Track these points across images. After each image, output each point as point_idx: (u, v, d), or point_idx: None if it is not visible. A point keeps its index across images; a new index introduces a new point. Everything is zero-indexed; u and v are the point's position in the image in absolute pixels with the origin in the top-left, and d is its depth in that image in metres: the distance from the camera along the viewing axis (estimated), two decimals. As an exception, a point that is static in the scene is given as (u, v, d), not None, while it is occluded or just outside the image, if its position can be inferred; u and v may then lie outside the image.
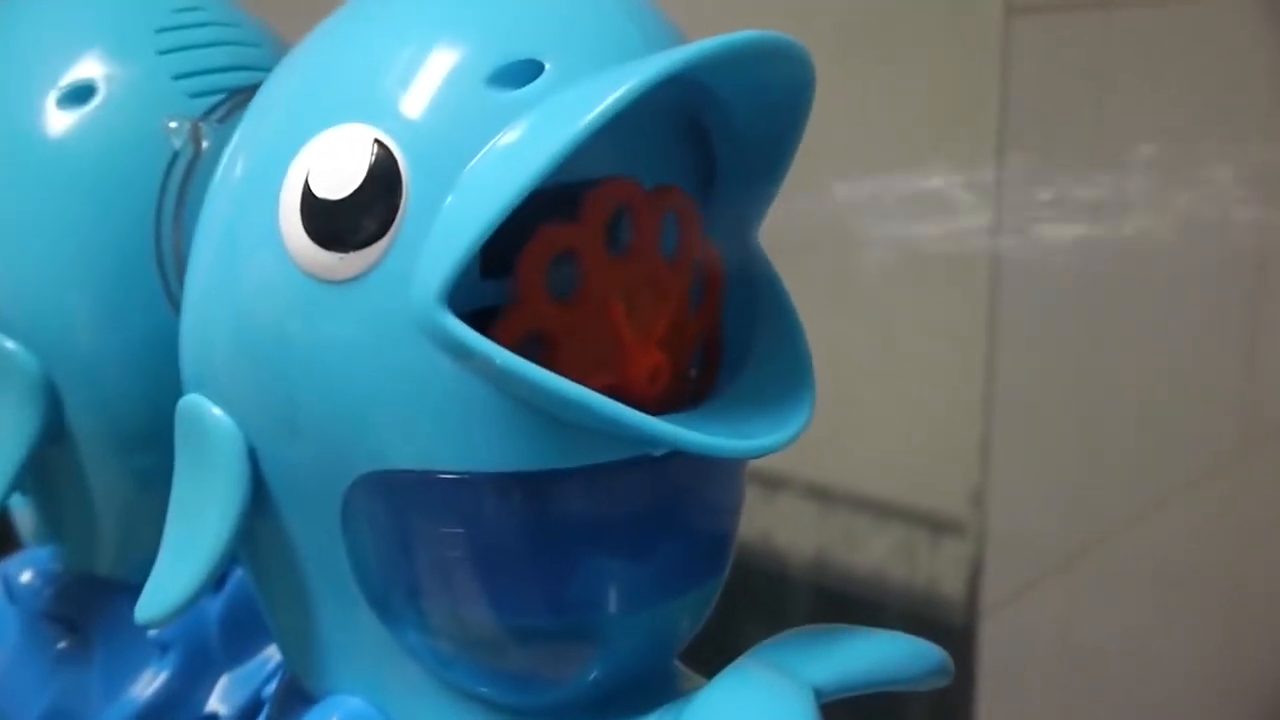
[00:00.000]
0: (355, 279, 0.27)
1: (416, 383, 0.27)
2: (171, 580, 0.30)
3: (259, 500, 0.30)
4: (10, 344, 0.36)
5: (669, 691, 0.31)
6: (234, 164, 0.30)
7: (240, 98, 0.34)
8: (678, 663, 0.32)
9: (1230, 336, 0.81)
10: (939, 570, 0.64)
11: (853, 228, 0.64)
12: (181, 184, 0.34)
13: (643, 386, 0.28)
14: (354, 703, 0.32)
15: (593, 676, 0.30)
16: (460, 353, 0.26)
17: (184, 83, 0.36)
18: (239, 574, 0.39)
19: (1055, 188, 0.63)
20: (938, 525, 0.64)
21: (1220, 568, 0.86)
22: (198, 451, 0.30)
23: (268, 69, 0.35)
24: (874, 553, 0.66)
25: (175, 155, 0.34)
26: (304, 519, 0.30)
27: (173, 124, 0.34)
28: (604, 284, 0.28)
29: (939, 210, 0.64)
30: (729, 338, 0.31)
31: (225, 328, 0.29)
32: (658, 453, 0.28)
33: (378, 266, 0.27)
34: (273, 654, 0.39)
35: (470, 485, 0.28)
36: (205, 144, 0.33)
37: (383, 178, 0.26)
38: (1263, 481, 0.85)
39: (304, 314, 0.28)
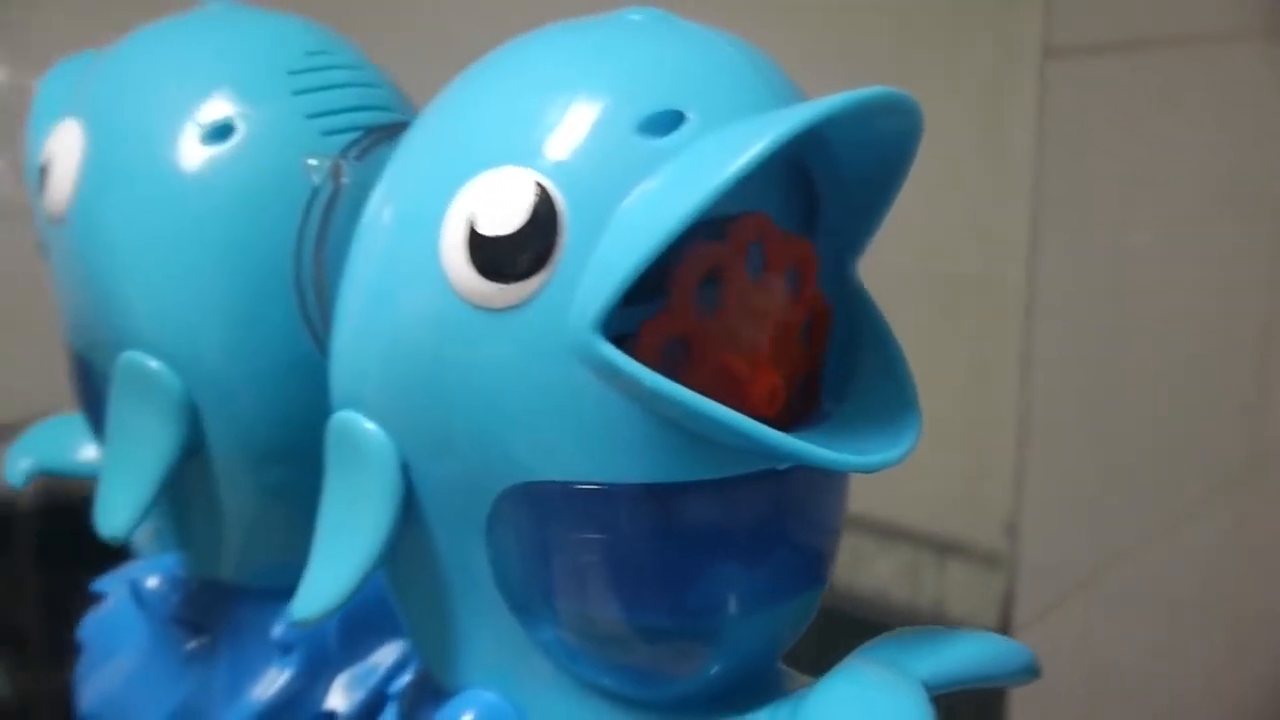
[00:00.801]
0: (513, 307, 0.30)
1: (565, 401, 0.30)
2: (325, 583, 0.33)
3: (408, 509, 0.33)
4: (155, 364, 0.38)
5: (776, 689, 0.34)
6: (389, 200, 0.33)
7: (375, 136, 0.37)
8: (781, 663, 0.35)
9: (1242, 362, 0.84)
10: (970, 597, 0.66)
11: (888, 258, 0.67)
12: (322, 218, 0.36)
13: (762, 406, 0.31)
14: (487, 696, 0.34)
15: (708, 673, 0.33)
16: (612, 375, 0.29)
17: (317, 121, 0.39)
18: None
19: (1087, 223, 0.66)
20: (970, 554, 0.67)
21: (1229, 584, 0.88)
22: (351, 464, 0.33)
23: (389, 108, 0.39)
24: (900, 578, 0.68)
25: (315, 191, 0.36)
26: (450, 527, 0.33)
27: (312, 161, 0.37)
28: (739, 307, 0.31)
29: (974, 243, 0.66)
30: (829, 365, 0.34)
31: (382, 350, 0.32)
32: (781, 467, 0.31)
33: (536, 297, 0.30)
34: (387, 654, 0.41)
35: (609, 495, 0.31)
36: (345, 180, 0.36)
37: (544, 217, 0.29)
38: (1271, 501, 0.88)
39: (463, 339, 0.30)
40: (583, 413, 0.30)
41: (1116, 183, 0.68)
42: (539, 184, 0.29)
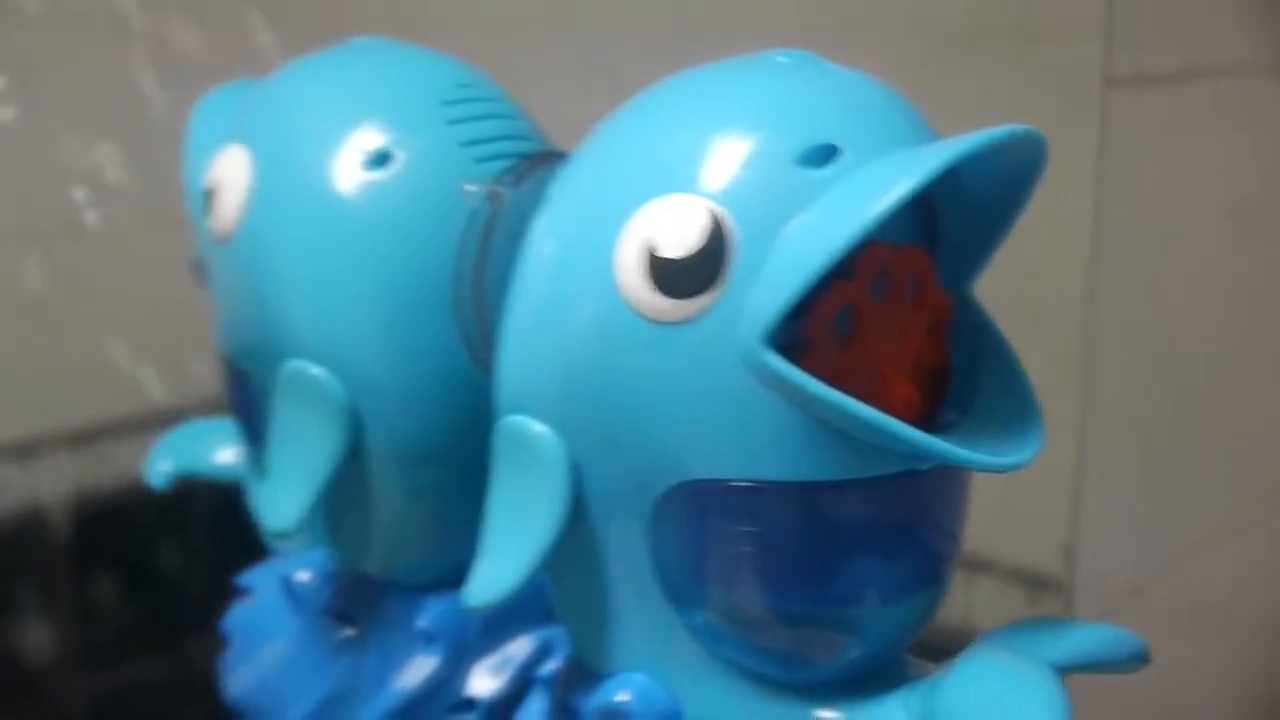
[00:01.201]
0: (685, 321, 0.33)
1: (728, 406, 0.33)
2: (498, 573, 0.36)
3: (574, 505, 0.36)
4: (318, 372, 0.41)
5: (904, 675, 0.37)
6: (561, 223, 0.36)
7: (529, 163, 0.40)
8: (906, 653, 0.38)
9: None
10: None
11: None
12: (481, 241, 0.39)
13: (899, 412, 0.34)
14: (640, 679, 0.37)
15: (845, 659, 0.36)
16: (778, 382, 0.32)
17: (469, 149, 0.42)
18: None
19: (1145, 248, 0.69)
20: (1028, 579, 0.69)
21: (1262, 598, 0.91)
22: (521, 464, 0.36)
23: (530, 138, 0.42)
24: (959, 607, 0.71)
25: (473, 215, 0.40)
26: (614, 522, 0.36)
27: (470, 187, 0.40)
28: (871, 330, 0.34)
29: (1034, 268, 0.69)
30: (951, 379, 0.38)
31: (553, 360, 0.35)
32: (924, 467, 0.34)
33: (707, 312, 0.33)
34: (524, 643, 0.45)
35: (765, 493, 0.34)
36: (503, 205, 0.39)
37: (717, 241, 0.33)
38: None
39: (635, 349, 0.34)
40: (744, 417, 0.33)
41: (1174, 207, 0.71)
42: (711, 211, 0.33)
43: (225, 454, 0.52)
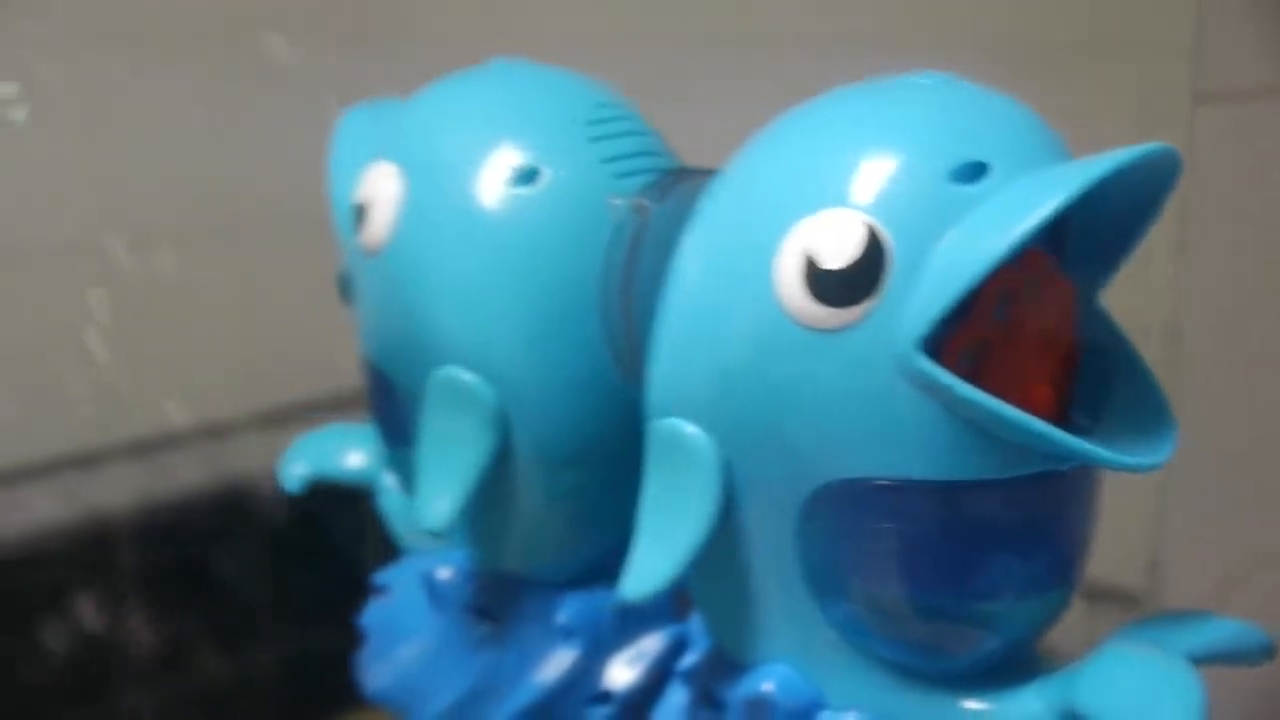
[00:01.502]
0: (841, 329, 0.35)
1: (881, 410, 0.35)
2: (652, 568, 0.38)
3: (726, 503, 0.38)
4: (470, 378, 0.44)
5: (1037, 668, 0.39)
6: (716, 235, 0.38)
7: (672, 178, 0.42)
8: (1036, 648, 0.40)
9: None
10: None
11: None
12: (628, 253, 0.42)
13: (1038, 415, 0.36)
14: (783, 669, 0.39)
15: (981, 651, 0.38)
16: (932, 386, 0.34)
17: (610, 165, 0.44)
18: (630, 573, 0.47)
19: (1233, 265, 0.70)
20: (1110, 594, 0.71)
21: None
22: (675, 463, 0.38)
23: (664, 154, 0.44)
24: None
25: (619, 228, 0.42)
26: (763, 519, 0.38)
27: (617, 201, 0.42)
28: (1015, 336, 0.36)
29: (1121, 281, 0.71)
30: (1080, 384, 0.39)
31: (708, 365, 0.37)
32: (1064, 468, 0.36)
33: (863, 321, 0.35)
34: (659, 637, 0.47)
35: (913, 491, 0.36)
36: (649, 218, 0.41)
37: (874, 254, 0.35)
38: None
39: (791, 355, 0.36)
40: (895, 420, 0.35)
41: (1262, 224, 0.73)
42: (868, 224, 0.35)
43: (355, 458, 0.54)
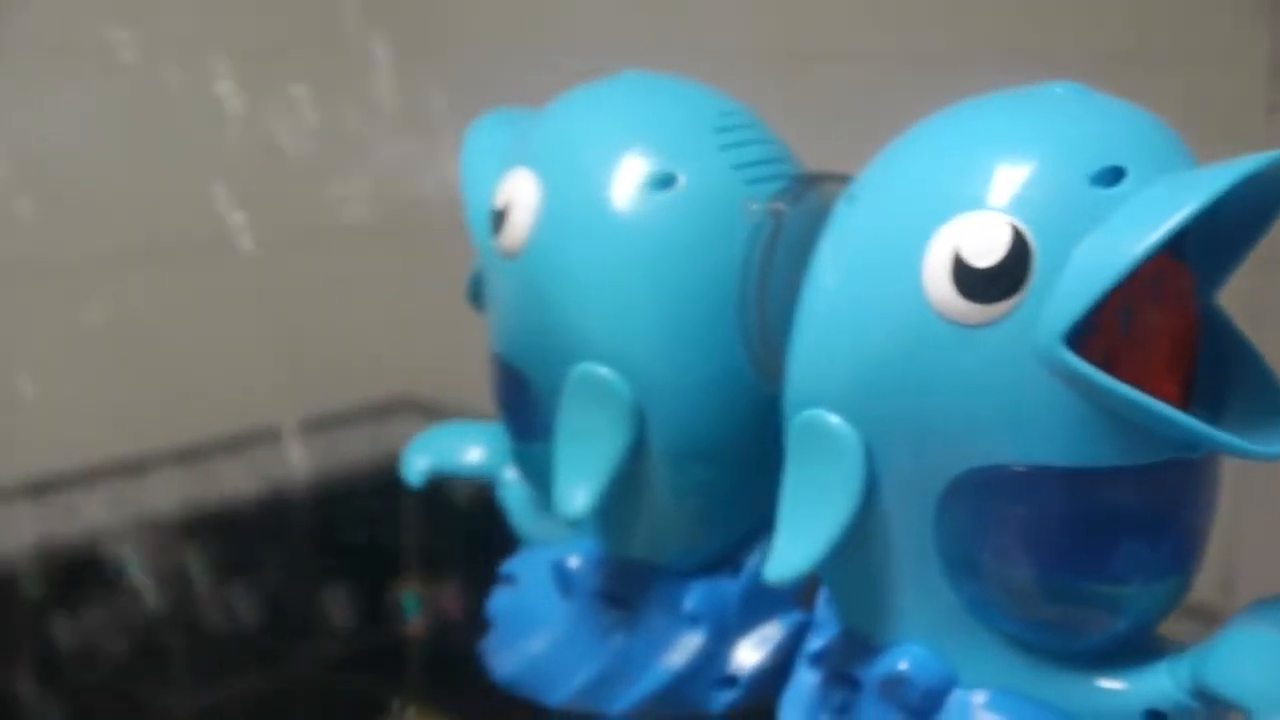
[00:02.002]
0: (986, 324, 0.37)
1: (1022, 401, 0.37)
2: (796, 552, 0.41)
3: (867, 490, 0.40)
4: (607, 373, 0.46)
5: (1163, 649, 0.40)
6: (859, 235, 0.40)
7: (804, 183, 0.44)
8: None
9: None
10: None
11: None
12: (765, 254, 0.44)
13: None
14: (918, 649, 0.41)
15: (1110, 632, 0.40)
16: (1075, 379, 0.36)
17: (741, 172, 0.46)
18: (756, 559, 0.49)
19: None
20: (1184, 611, 0.72)
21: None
22: (817, 453, 0.40)
23: (786, 160, 0.46)
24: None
25: (756, 230, 0.44)
26: (902, 504, 0.40)
27: (753, 206, 0.44)
28: (1145, 331, 0.38)
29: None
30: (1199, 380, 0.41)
31: (853, 358, 0.40)
32: (1194, 456, 0.38)
33: (1007, 316, 0.37)
34: (780, 622, 0.49)
35: (1050, 478, 0.38)
36: (784, 221, 0.43)
37: (1019, 253, 0.37)
38: None
39: (937, 349, 0.38)
40: (1035, 410, 0.37)
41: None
42: (1014, 226, 0.37)
43: (474, 454, 0.56)
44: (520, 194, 0.47)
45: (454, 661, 1.19)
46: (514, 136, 0.50)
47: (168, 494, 1.15)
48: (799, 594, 0.49)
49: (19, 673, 1.06)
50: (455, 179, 1.03)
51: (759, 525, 0.49)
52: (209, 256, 1.13)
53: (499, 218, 0.47)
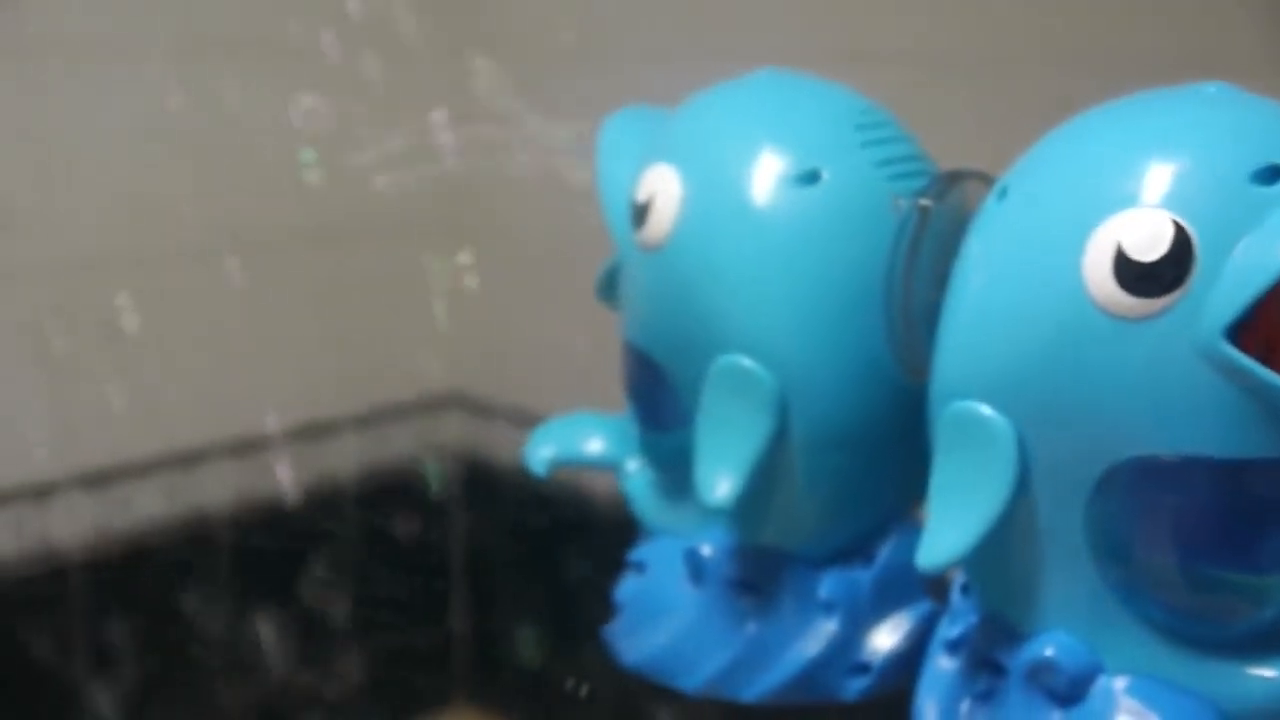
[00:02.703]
0: (1146, 318, 0.38)
1: (1180, 393, 0.38)
2: (949, 539, 0.41)
3: (1019, 479, 0.41)
4: (751, 364, 0.47)
5: None
6: (1014, 230, 0.41)
7: (948, 179, 0.45)
8: None
9: None
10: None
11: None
12: (910, 249, 0.45)
13: None
14: (1063, 636, 0.42)
15: (1256, 620, 0.41)
16: (1236, 372, 0.37)
17: (883, 169, 0.47)
18: (888, 548, 0.50)
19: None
20: None
21: None
22: (969, 443, 0.41)
23: (924, 158, 0.47)
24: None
25: (902, 225, 0.45)
26: (1054, 494, 0.41)
27: (900, 201, 0.45)
28: None
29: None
30: None
31: (1009, 349, 0.40)
32: None
33: (1168, 310, 0.38)
34: (911, 610, 0.50)
35: (1205, 468, 0.39)
36: (929, 216, 0.44)
37: (1182, 249, 0.38)
38: None
39: (1096, 342, 0.39)
40: (1193, 402, 0.38)
41: None
42: (1176, 222, 0.38)
43: (596, 444, 0.57)
44: (663, 188, 0.48)
45: (501, 655, 1.20)
46: (648, 132, 0.51)
47: (219, 487, 1.17)
48: (929, 583, 0.50)
49: (74, 662, 1.08)
50: (510, 174, 1.05)
51: (891, 514, 0.51)
52: (258, 254, 1.15)
53: (641, 212, 0.48)
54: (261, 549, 1.16)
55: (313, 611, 1.19)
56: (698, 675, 0.50)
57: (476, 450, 1.28)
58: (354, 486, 1.21)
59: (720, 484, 0.46)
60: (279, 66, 1.10)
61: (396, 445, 1.24)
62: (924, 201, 0.44)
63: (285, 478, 1.15)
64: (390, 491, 1.24)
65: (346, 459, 1.21)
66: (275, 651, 1.16)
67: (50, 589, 1.07)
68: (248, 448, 1.15)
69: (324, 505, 1.20)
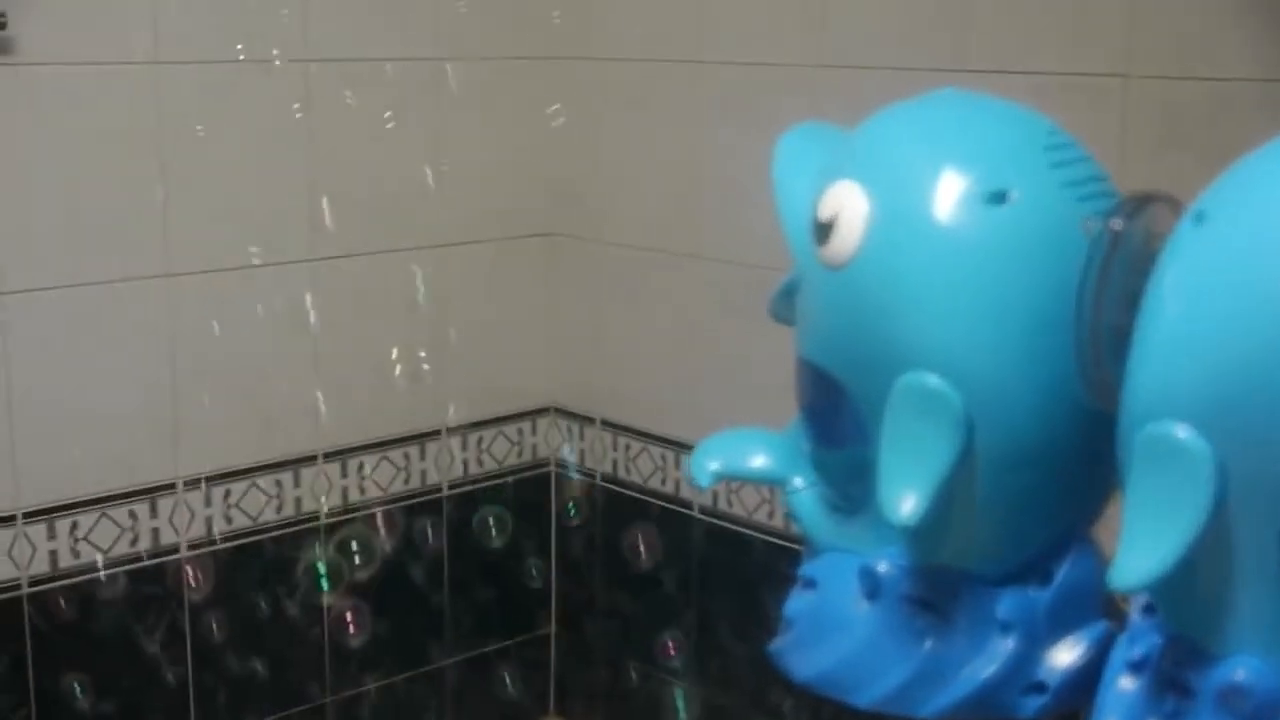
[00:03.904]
0: None
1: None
2: (1143, 561, 0.41)
3: (1217, 500, 0.41)
4: (937, 381, 0.47)
5: None
6: (1214, 254, 0.41)
7: (1136, 202, 0.45)
8: None
9: None
10: None
11: None
12: (1102, 270, 0.45)
13: None
14: (1254, 660, 0.42)
15: None
16: None
17: (1071, 190, 0.47)
18: (1065, 567, 0.50)
19: None
20: None
21: None
22: (1167, 464, 0.41)
23: (1105, 179, 0.47)
24: None
25: (1094, 246, 0.45)
26: (1253, 516, 0.41)
27: (1090, 223, 0.45)
28: None
29: None
30: None
31: (1212, 371, 0.40)
32: None
33: None
34: (1086, 631, 0.50)
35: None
36: (1121, 237, 0.44)
37: None
38: None
39: None
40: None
41: None
42: None
43: (760, 459, 0.58)
44: (848, 206, 0.48)
45: (594, 660, 1.21)
46: (825, 149, 0.51)
47: (322, 492, 1.18)
48: (1104, 603, 0.50)
49: (178, 657, 1.09)
50: (609, 192, 1.05)
51: (1068, 534, 0.51)
52: (368, 267, 1.16)
53: (824, 229, 0.48)
54: (360, 550, 1.17)
55: (411, 611, 1.20)
56: (873, 691, 0.50)
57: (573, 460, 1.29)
58: (455, 491, 1.22)
59: (906, 502, 0.47)
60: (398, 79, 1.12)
61: (496, 452, 1.25)
62: (1116, 223, 0.44)
63: (385, 482, 1.16)
64: (489, 497, 1.25)
65: (447, 465, 1.21)
66: (370, 649, 1.17)
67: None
68: (349, 454, 1.16)
69: (424, 510, 1.21)
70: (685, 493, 1.23)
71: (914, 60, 0.95)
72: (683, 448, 1.21)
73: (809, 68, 1.04)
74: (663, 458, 1.24)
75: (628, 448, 1.27)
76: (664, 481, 1.24)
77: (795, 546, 1.10)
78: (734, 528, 1.17)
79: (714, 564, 1.23)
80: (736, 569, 1.17)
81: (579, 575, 1.36)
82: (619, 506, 1.30)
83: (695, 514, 1.22)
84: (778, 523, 1.13)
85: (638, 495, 1.28)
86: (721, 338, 1.13)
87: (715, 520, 1.21)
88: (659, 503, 1.25)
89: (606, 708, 1.35)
